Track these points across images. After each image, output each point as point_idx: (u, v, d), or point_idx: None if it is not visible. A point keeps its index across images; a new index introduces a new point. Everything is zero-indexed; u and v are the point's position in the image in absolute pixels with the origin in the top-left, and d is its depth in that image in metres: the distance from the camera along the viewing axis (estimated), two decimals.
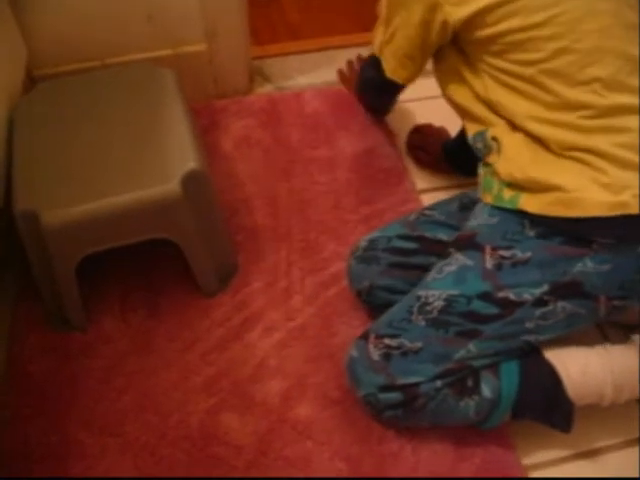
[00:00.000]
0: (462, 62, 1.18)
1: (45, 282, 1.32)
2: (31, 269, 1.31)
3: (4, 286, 1.42)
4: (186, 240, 1.31)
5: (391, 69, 1.30)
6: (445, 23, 1.13)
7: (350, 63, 1.86)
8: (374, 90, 1.61)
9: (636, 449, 1.21)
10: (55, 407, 1.26)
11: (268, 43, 2.15)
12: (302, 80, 1.98)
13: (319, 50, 2.10)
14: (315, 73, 2.00)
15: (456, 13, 1.11)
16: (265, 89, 1.97)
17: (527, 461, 1.20)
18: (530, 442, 1.21)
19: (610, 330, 1.32)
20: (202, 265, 1.36)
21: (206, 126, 1.79)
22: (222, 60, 1.84)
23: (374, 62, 1.36)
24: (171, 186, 1.23)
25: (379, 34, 1.31)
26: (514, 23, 1.04)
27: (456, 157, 1.64)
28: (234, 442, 1.21)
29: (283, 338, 1.35)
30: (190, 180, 1.24)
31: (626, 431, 1.23)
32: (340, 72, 1.89)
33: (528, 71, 1.06)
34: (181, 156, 1.28)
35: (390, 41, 1.26)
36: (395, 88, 1.44)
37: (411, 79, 1.32)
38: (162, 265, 1.47)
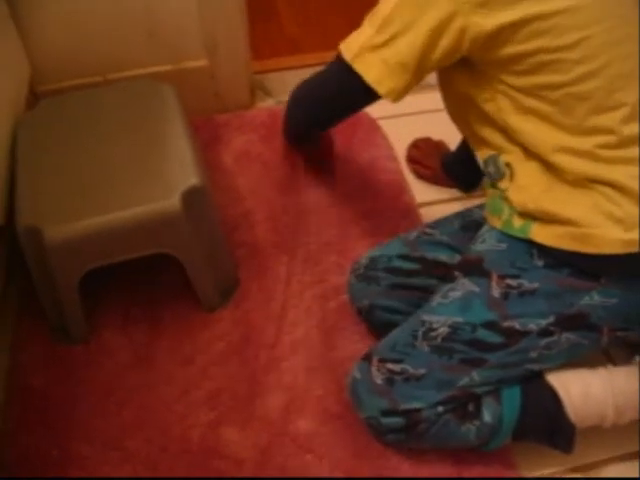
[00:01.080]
0: (473, 85, 1.11)
1: (48, 296, 1.33)
2: (34, 283, 1.32)
3: (7, 300, 1.43)
4: (187, 255, 1.32)
5: (376, 76, 1.08)
6: (462, 34, 1.01)
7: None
8: (328, 103, 1.28)
9: (635, 462, 1.22)
10: (57, 420, 1.26)
11: (268, 57, 2.16)
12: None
13: (319, 64, 2.09)
14: None
15: (484, 24, 0.99)
16: (266, 103, 1.98)
17: (526, 475, 1.20)
18: (529, 457, 1.22)
19: (613, 349, 1.32)
20: (203, 280, 1.37)
21: (207, 140, 1.81)
22: (223, 75, 1.86)
23: (338, 69, 1.15)
24: (172, 201, 1.24)
25: (361, 36, 1.11)
26: (543, 42, 0.99)
27: (455, 171, 1.65)
28: (234, 455, 1.21)
29: (283, 352, 1.35)
30: (191, 195, 1.26)
31: (625, 445, 1.24)
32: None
33: (554, 94, 1.02)
34: (182, 172, 1.29)
35: (384, 46, 1.07)
36: (358, 103, 1.23)
37: (396, 93, 1.09)
38: (163, 279, 1.48)
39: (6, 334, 1.39)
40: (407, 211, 1.62)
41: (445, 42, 1.03)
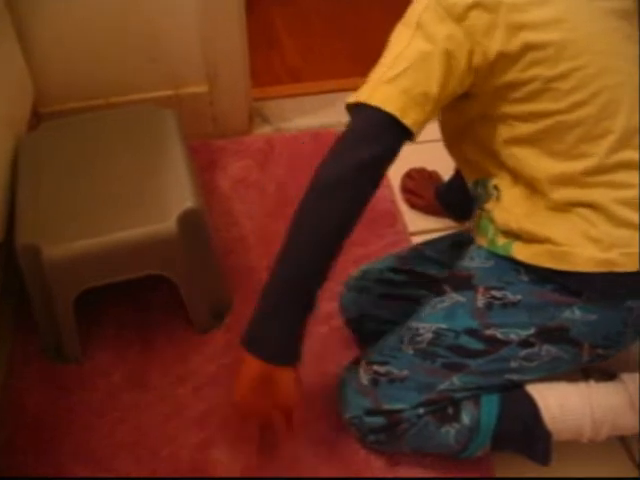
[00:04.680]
0: (472, 111, 1.15)
1: (43, 314, 1.34)
2: (30, 301, 1.34)
3: (3, 317, 1.44)
4: (181, 277, 1.34)
5: (400, 108, 1.00)
6: (469, 61, 1.03)
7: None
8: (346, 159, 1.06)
9: None
10: (49, 439, 1.27)
11: (269, 85, 2.20)
12: (300, 122, 2.02)
13: (318, 93, 2.15)
14: (313, 115, 2.05)
15: (488, 52, 1.02)
16: (264, 130, 2.01)
17: None
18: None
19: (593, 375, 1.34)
20: (196, 302, 1.39)
21: (205, 165, 1.83)
22: (222, 101, 1.89)
23: (351, 117, 1.07)
24: (168, 224, 1.26)
25: (371, 78, 1.06)
26: (538, 71, 1.04)
27: (448, 202, 1.68)
28: (224, 477, 1.22)
29: None
30: (187, 218, 1.28)
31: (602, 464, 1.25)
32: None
33: (546, 121, 1.06)
34: (179, 195, 1.32)
35: (401, 77, 1.02)
36: (378, 151, 1.04)
37: (419, 125, 1.03)
38: (157, 300, 1.49)
39: (1, 352, 1.40)
40: (400, 240, 1.64)
41: (459, 70, 1.03)
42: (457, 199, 1.63)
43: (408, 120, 1.01)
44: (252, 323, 1.09)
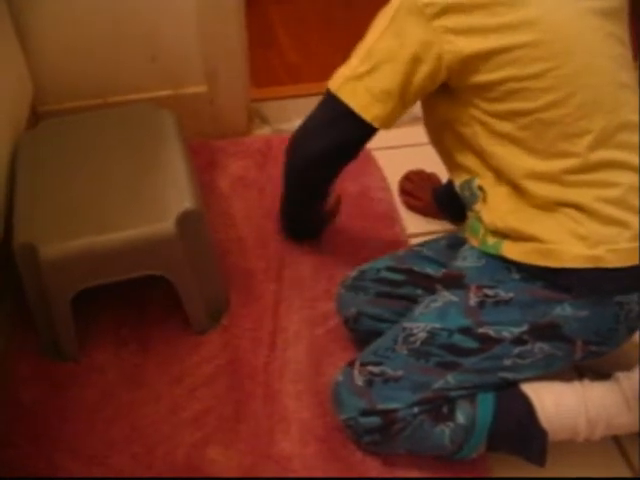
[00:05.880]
0: (452, 110, 1.18)
1: (40, 313, 1.35)
2: (27, 299, 1.34)
3: (1, 314, 1.44)
4: (179, 278, 1.34)
5: (362, 105, 1.15)
6: (439, 61, 1.08)
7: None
8: (321, 136, 1.27)
9: None
10: (44, 435, 1.27)
11: (267, 86, 2.20)
12: (299, 123, 2.02)
13: (317, 94, 2.13)
14: None
15: (457, 51, 1.07)
16: (263, 131, 2.01)
17: None
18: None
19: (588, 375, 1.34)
20: (194, 302, 1.39)
21: (204, 165, 1.83)
22: (222, 101, 1.89)
23: (325, 101, 1.23)
24: (166, 225, 1.26)
25: (346, 69, 1.17)
26: (511, 72, 1.06)
27: (446, 204, 1.68)
28: (218, 476, 1.23)
29: (270, 376, 1.37)
30: (185, 219, 1.28)
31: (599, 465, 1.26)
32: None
33: (524, 120, 1.08)
34: (177, 195, 1.32)
35: (367, 75, 1.13)
36: (349, 135, 1.22)
37: (381, 119, 1.16)
38: (155, 300, 1.50)
39: None
40: (398, 242, 1.65)
41: (424, 69, 1.11)
42: (454, 202, 1.63)
43: (368, 115, 1.15)
44: None
